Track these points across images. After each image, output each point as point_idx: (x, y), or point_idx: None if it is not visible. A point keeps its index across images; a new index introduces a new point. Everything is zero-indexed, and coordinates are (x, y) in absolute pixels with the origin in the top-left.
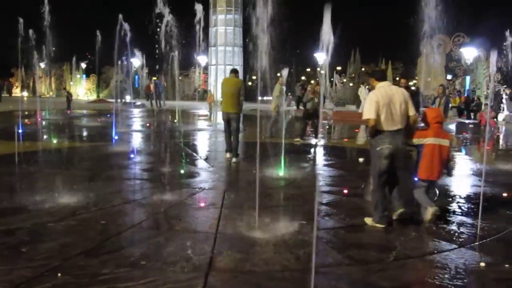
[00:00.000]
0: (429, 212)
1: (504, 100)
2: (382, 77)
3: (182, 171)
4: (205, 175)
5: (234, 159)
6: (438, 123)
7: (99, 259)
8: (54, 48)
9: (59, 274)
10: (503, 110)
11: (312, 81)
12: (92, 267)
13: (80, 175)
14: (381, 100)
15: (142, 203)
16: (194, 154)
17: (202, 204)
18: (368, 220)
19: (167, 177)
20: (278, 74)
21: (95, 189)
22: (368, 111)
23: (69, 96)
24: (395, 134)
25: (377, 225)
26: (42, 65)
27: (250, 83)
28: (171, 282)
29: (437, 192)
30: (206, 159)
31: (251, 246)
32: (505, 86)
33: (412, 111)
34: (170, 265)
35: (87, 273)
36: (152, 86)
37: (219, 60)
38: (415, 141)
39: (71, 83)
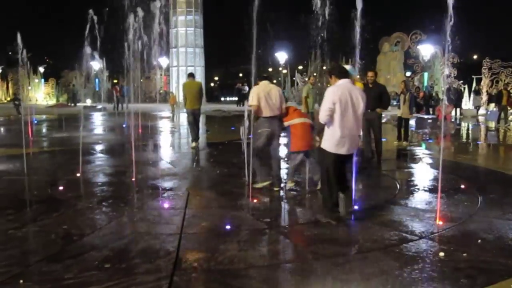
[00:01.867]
0: (288, 183)
1: (470, 94)
2: (263, 78)
3: (147, 173)
4: (169, 176)
5: (194, 144)
6: (296, 110)
7: (62, 264)
8: (10, 53)
9: (21, 281)
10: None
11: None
12: (55, 272)
13: (41, 180)
14: (261, 92)
15: (105, 206)
16: (161, 155)
17: (167, 205)
18: (257, 185)
19: (132, 179)
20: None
21: (56, 194)
22: (251, 100)
23: (16, 101)
24: (271, 120)
25: (260, 184)
26: None
27: (212, 84)
28: (136, 284)
29: (313, 161)
30: (171, 161)
31: (215, 245)
32: (461, 81)
33: (284, 105)
34: (135, 267)
35: (50, 278)
36: (118, 89)
37: (180, 62)
38: (286, 123)
39: (29, 87)
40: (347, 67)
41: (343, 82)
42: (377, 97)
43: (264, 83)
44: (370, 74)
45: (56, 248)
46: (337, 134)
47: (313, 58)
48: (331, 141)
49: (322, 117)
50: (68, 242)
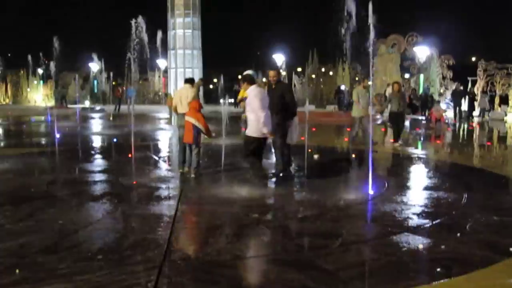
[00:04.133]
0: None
1: (478, 97)
2: (186, 81)
3: (141, 170)
4: (163, 172)
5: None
6: (193, 108)
7: (57, 256)
8: (9, 54)
9: (18, 271)
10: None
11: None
12: (50, 263)
13: (38, 179)
14: (177, 94)
15: (99, 202)
16: (155, 153)
17: (159, 201)
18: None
19: (124, 177)
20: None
21: (53, 192)
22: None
23: None
24: (182, 116)
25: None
26: None
27: (211, 86)
28: (127, 273)
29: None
30: (165, 159)
31: (204, 238)
32: (457, 82)
33: (190, 99)
34: (126, 258)
35: (45, 268)
36: (120, 90)
37: (178, 64)
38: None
39: (28, 89)
40: (250, 72)
41: (254, 86)
42: (281, 99)
43: (185, 86)
44: (271, 73)
45: (51, 241)
46: (260, 122)
47: (311, 60)
48: (253, 128)
49: (262, 111)
50: (63, 236)
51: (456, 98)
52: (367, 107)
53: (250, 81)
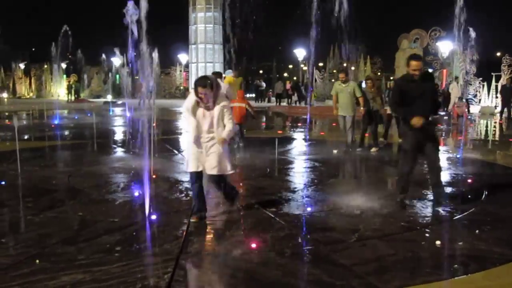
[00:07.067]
0: None
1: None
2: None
3: (158, 163)
4: (181, 167)
5: None
6: (241, 96)
7: (75, 247)
8: (34, 49)
9: (37, 261)
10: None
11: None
12: (69, 254)
13: (59, 171)
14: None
15: (119, 196)
16: (172, 147)
17: (177, 195)
18: None
19: (143, 171)
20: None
21: (73, 184)
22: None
23: None
24: None
25: None
26: (22, 65)
27: None
28: (144, 265)
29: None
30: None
31: (220, 232)
32: (481, 78)
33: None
34: (144, 250)
35: (64, 259)
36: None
37: (199, 58)
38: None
39: (52, 83)
40: (229, 71)
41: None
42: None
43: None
44: (417, 64)
45: (70, 233)
46: None
47: (332, 55)
48: None
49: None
50: (82, 228)
51: (506, 95)
52: (348, 105)
53: (219, 77)
